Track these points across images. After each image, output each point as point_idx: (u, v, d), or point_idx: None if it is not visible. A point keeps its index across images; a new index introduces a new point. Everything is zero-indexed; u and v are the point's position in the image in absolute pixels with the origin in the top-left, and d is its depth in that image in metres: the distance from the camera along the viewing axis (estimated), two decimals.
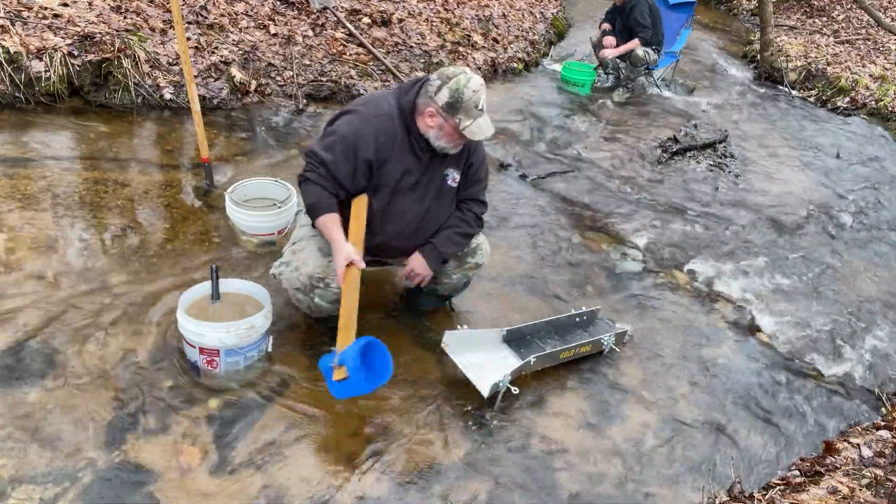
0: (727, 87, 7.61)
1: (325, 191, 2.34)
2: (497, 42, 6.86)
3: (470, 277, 2.81)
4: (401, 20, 6.31)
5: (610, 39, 6.46)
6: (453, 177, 2.57)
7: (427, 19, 6.63)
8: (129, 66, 4.23)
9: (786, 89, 7.76)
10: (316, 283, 2.43)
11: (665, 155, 5.28)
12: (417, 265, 2.58)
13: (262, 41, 5.12)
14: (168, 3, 4.53)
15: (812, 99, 7.55)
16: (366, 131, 2.35)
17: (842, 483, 2.31)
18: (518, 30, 7.42)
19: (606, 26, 6.65)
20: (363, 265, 2.29)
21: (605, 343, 2.90)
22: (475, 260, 2.74)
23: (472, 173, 2.62)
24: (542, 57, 7.37)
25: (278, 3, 5.71)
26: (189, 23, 4.85)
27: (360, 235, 2.35)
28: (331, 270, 2.42)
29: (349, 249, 2.27)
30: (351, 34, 5.70)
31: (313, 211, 2.36)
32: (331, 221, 2.34)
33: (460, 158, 2.56)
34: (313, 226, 2.43)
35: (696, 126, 6.00)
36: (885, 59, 8.57)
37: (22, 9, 4.21)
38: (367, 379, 2.21)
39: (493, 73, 6.47)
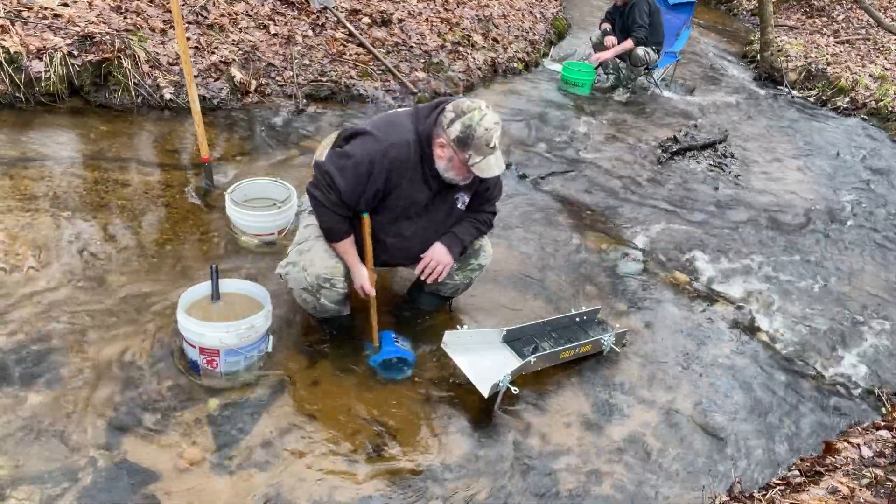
0: (727, 87, 7.61)
1: (337, 215, 2.37)
2: (497, 42, 6.86)
3: (472, 279, 2.81)
4: (401, 20, 6.31)
5: (611, 39, 6.46)
6: (463, 200, 2.57)
7: (427, 19, 6.63)
8: (129, 66, 4.23)
9: (786, 89, 7.75)
10: (323, 283, 2.44)
11: (665, 155, 5.28)
12: (439, 253, 2.54)
13: (262, 41, 5.12)
14: (168, 3, 4.53)
15: (812, 99, 7.55)
16: (381, 161, 2.30)
17: (842, 483, 2.31)
18: (518, 30, 7.42)
19: (606, 26, 6.65)
20: (373, 292, 2.53)
21: (605, 343, 2.90)
22: (478, 261, 2.74)
23: (482, 191, 2.61)
24: (542, 57, 7.37)
25: (278, 3, 5.71)
26: (189, 23, 4.85)
27: (371, 258, 2.52)
28: (337, 272, 2.45)
29: (364, 275, 2.49)
30: (351, 34, 5.70)
31: (330, 236, 2.46)
32: (348, 246, 2.47)
33: (473, 182, 2.51)
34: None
35: (696, 126, 6.00)
36: (885, 59, 8.57)
37: (22, 9, 4.21)
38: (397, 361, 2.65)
39: (493, 73, 6.47)
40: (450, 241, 2.56)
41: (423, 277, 2.59)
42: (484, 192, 2.61)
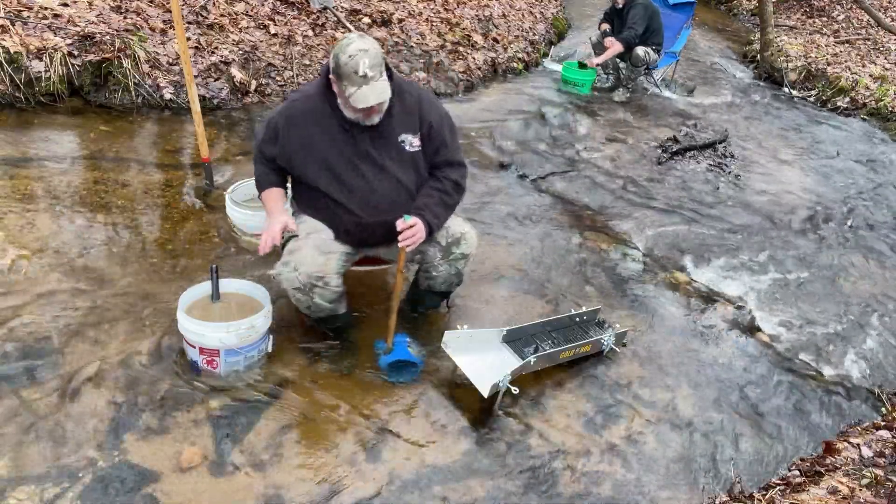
0: (727, 87, 7.61)
1: (263, 166, 2.57)
2: (497, 42, 6.86)
3: (460, 269, 2.70)
4: (401, 20, 6.31)
5: (611, 40, 6.47)
6: (410, 142, 2.48)
7: (427, 19, 6.63)
8: (129, 66, 4.24)
9: (786, 89, 7.76)
10: (315, 281, 2.41)
11: (665, 155, 5.28)
12: (419, 224, 2.40)
13: (262, 41, 5.12)
14: (168, 3, 4.53)
15: (812, 99, 7.55)
16: (290, 112, 2.46)
17: (842, 483, 2.31)
18: (518, 30, 7.43)
19: (605, 27, 6.66)
20: (294, 227, 2.46)
21: (605, 343, 2.90)
22: (461, 250, 2.62)
23: (434, 135, 2.50)
24: (542, 57, 7.37)
25: (278, 3, 5.72)
26: (189, 23, 4.85)
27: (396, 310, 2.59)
28: (329, 269, 2.41)
29: (283, 218, 2.45)
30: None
31: (257, 187, 2.63)
32: (270, 195, 2.57)
33: (412, 122, 2.46)
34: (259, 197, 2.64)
35: (696, 126, 6.00)
36: (885, 59, 8.57)
37: (22, 9, 4.21)
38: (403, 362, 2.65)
39: (493, 73, 6.47)
40: (419, 217, 2.43)
41: (400, 243, 2.39)
42: (429, 132, 2.50)
